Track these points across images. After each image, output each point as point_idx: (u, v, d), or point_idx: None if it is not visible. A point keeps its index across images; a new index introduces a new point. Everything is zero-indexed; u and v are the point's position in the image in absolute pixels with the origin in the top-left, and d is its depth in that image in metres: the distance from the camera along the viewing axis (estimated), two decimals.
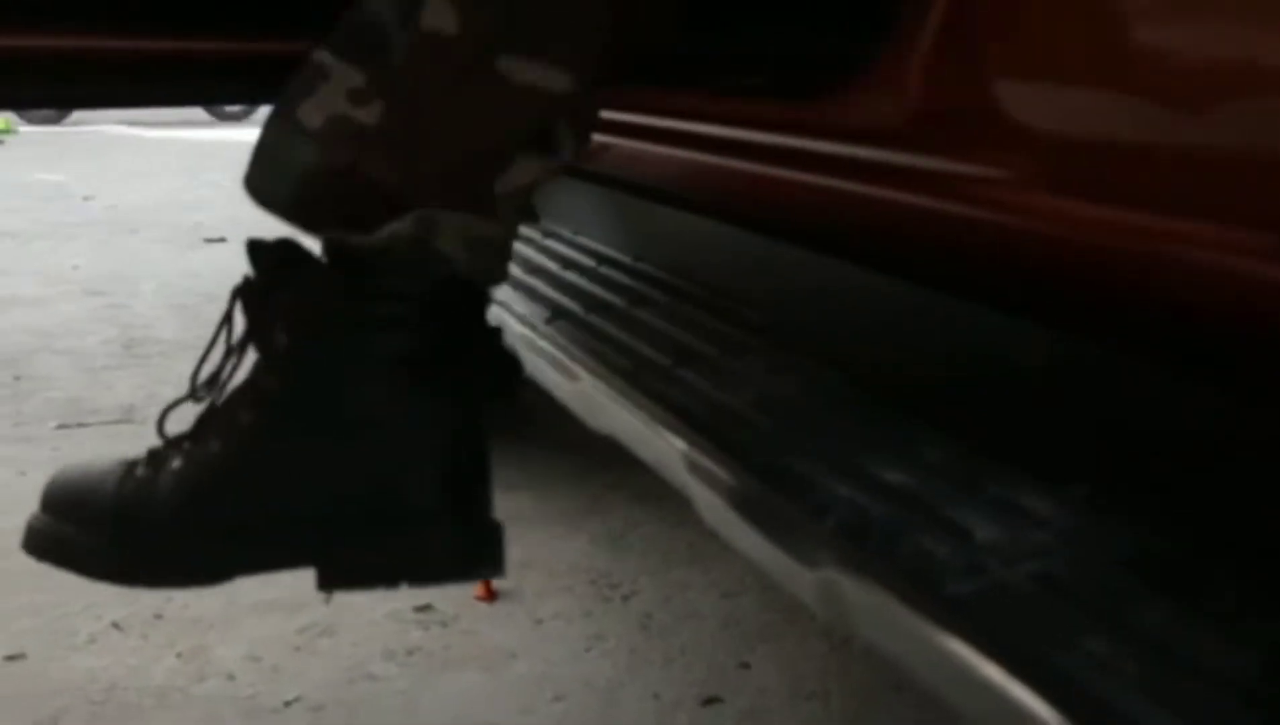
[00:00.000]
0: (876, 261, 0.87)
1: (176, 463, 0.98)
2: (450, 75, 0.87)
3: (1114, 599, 0.59)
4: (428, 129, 0.89)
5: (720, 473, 0.76)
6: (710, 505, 0.77)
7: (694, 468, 0.79)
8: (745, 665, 1.44)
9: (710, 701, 1.37)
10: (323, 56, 0.90)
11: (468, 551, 0.92)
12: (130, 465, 1.02)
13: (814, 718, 1.34)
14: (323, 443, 0.91)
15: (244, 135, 8.62)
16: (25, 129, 9.64)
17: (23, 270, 3.91)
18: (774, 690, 1.39)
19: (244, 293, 0.97)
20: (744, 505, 0.73)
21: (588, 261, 1.35)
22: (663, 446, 0.84)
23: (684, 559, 1.73)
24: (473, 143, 0.90)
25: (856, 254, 0.90)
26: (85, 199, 5.77)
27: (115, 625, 1.53)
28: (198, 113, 7.46)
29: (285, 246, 0.96)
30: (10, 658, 1.46)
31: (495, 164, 0.91)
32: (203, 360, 1.01)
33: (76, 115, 9.48)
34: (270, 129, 0.94)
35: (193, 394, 1.02)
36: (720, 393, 0.88)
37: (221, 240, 4.44)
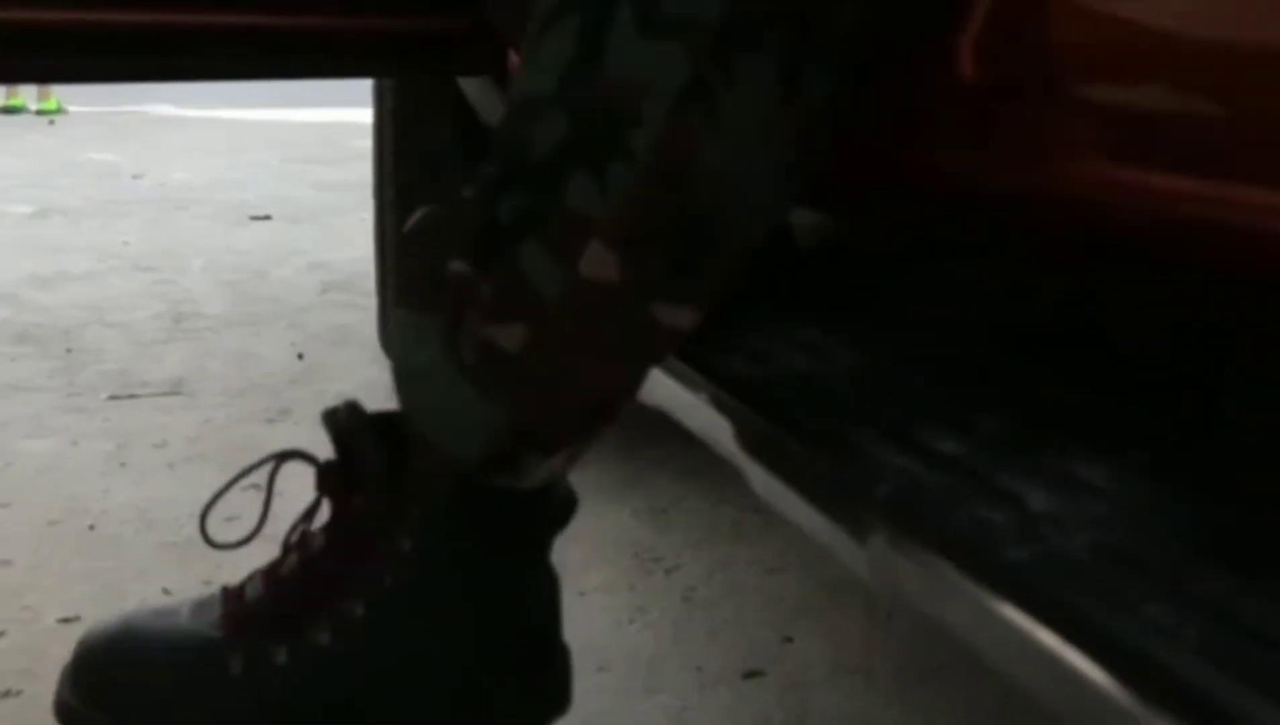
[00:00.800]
0: (926, 231, 0.87)
1: (281, 658, 0.99)
2: (606, 320, 0.85)
3: (1172, 566, 0.59)
4: (575, 367, 0.88)
5: (770, 442, 0.77)
6: (760, 477, 0.77)
7: (744, 439, 0.80)
8: (788, 640, 1.45)
9: (752, 675, 1.38)
10: (460, 267, 0.87)
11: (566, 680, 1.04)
12: (205, 653, 1.04)
13: (857, 693, 1.34)
14: (452, 627, 0.97)
15: (286, 115, 8.68)
16: (75, 108, 9.72)
17: (74, 246, 3.95)
18: (816, 665, 1.39)
19: (332, 476, 1.01)
20: (795, 476, 0.73)
21: None
22: (712, 418, 0.85)
23: (727, 535, 1.74)
24: (616, 382, 0.91)
25: (906, 224, 0.90)
26: (134, 177, 5.81)
27: (166, 591, 1.56)
28: (242, 93, 7.52)
29: (372, 423, 0.99)
30: (64, 620, 1.49)
31: (626, 400, 0.92)
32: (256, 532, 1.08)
33: (125, 95, 9.56)
34: (421, 357, 0.92)
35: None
36: (770, 365, 0.88)
37: (267, 217, 4.47)
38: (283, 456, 1.04)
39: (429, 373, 0.90)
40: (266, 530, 1.11)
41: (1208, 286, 0.65)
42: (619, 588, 1.57)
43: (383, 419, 1.00)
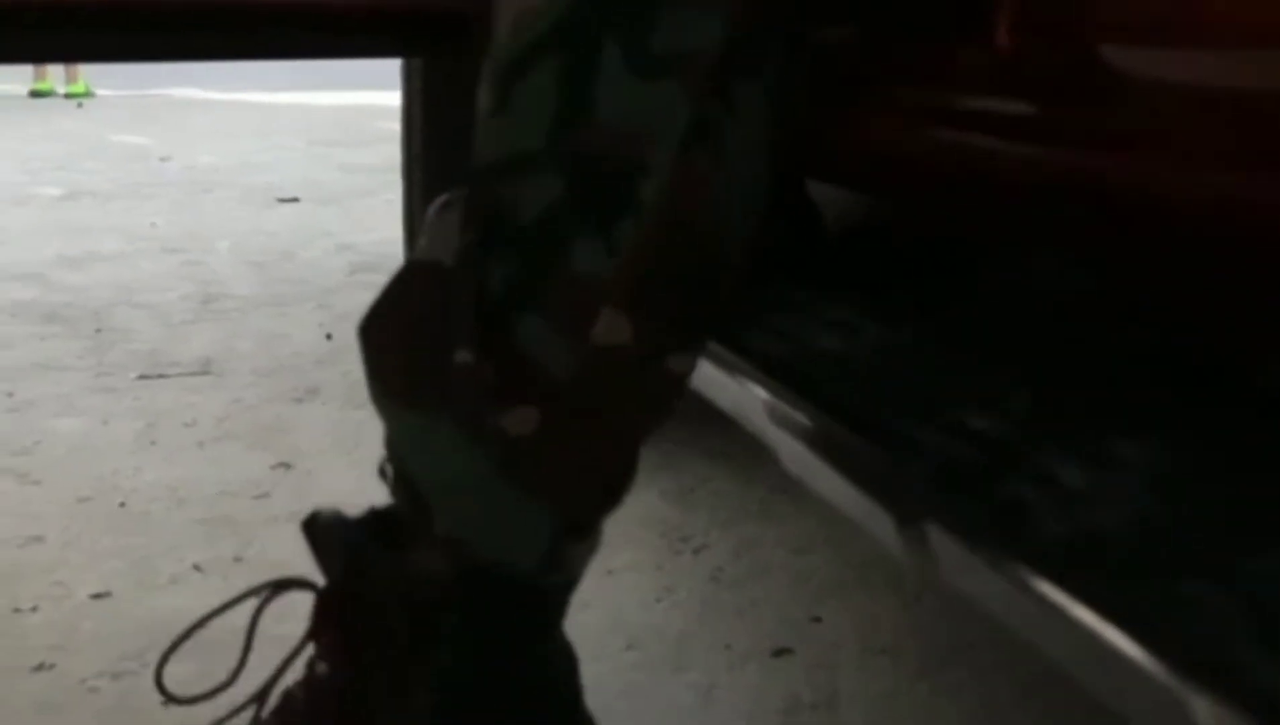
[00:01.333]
0: (957, 211, 0.87)
1: None
2: (623, 385, 0.79)
3: (1208, 541, 0.58)
4: (596, 440, 0.81)
5: (803, 419, 0.77)
6: (792, 453, 0.77)
7: (776, 416, 0.80)
8: (816, 619, 1.45)
9: (780, 653, 1.38)
10: (465, 357, 0.78)
11: None
12: None
13: (885, 672, 1.34)
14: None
15: (312, 99, 8.69)
16: (103, 92, 9.76)
17: (103, 227, 3.96)
18: (845, 644, 1.39)
19: (334, 601, 0.90)
20: (828, 452, 0.73)
21: None
22: (744, 396, 0.85)
23: (755, 515, 1.74)
24: (638, 443, 0.85)
25: (938, 204, 0.90)
26: (162, 160, 5.83)
27: (196, 567, 1.57)
28: (268, 77, 7.52)
29: (370, 531, 0.89)
30: (96, 595, 1.50)
31: (640, 450, 0.86)
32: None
33: (152, 79, 9.58)
34: (454, 468, 0.83)
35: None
36: (802, 343, 0.88)
37: (294, 200, 4.48)
38: (277, 586, 0.93)
39: (466, 485, 0.82)
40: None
41: (1241, 264, 0.65)
42: (647, 567, 1.57)
43: (376, 522, 0.90)
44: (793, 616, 1.46)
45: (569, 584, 0.90)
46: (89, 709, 1.28)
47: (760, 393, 0.83)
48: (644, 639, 1.38)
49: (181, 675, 0.97)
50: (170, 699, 0.88)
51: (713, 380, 0.89)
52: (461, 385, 0.79)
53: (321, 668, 0.92)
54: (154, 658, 1.35)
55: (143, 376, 2.36)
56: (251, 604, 0.95)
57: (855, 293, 0.99)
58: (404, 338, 0.84)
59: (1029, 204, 0.78)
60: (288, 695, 0.92)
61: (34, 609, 1.47)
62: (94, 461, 1.93)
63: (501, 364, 0.77)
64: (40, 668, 1.35)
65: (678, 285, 0.77)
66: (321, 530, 0.91)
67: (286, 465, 1.92)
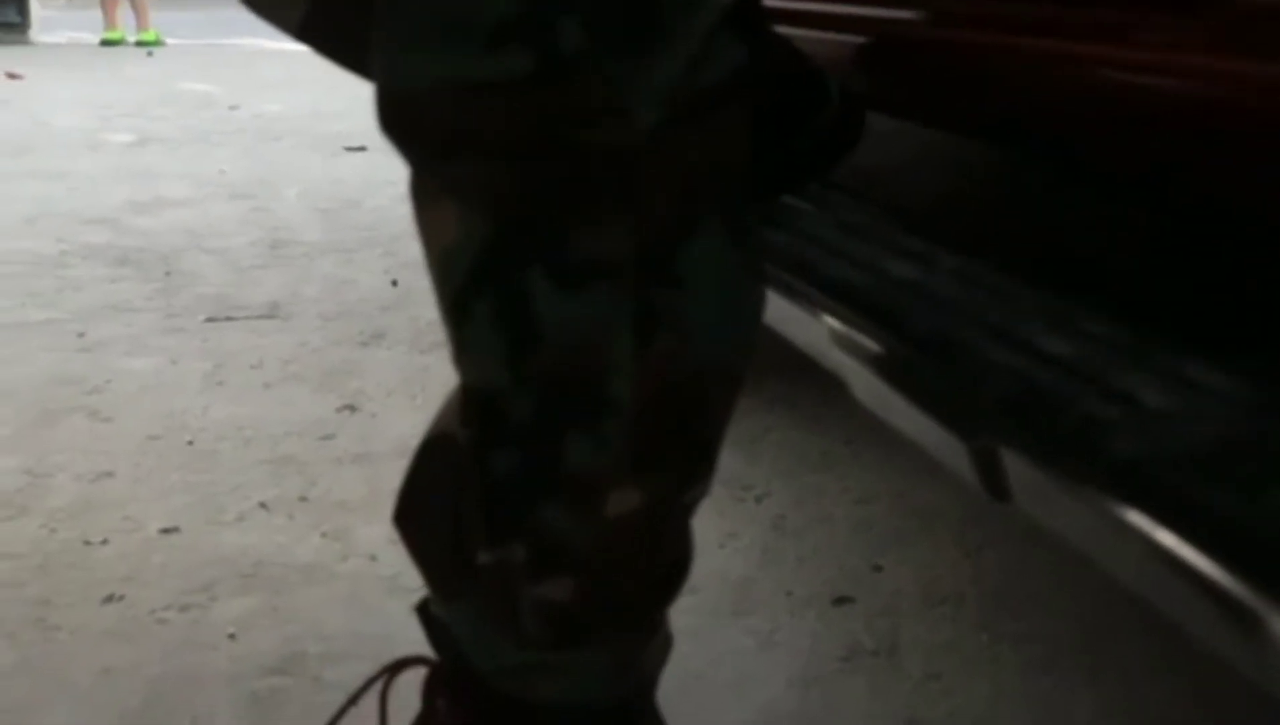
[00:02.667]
0: (1031, 138, 0.85)
1: None
2: (646, 538, 0.80)
3: None
4: (634, 584, 0.82)
5: (874, 347, 0.76)
6: (863, 382, 0.76)
7: (846, 344, 0.79)
8: (878, 568, 1.44)
9: (841, 601, 1.37)
10: (486, 558, 0.79)
11: None
12: None
13: (946, 621, 1.33)
14: None
15: None
16: (173, 41, 9.83)
17: (173, 174, 4.00)
18: (906, 593, 1.39)
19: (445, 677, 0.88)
20: (899, 378, 0.72)
21: None
22: (815, 325, 0.84)
23: (817, 465, 1.73)
24: (678, 561, 0.85)
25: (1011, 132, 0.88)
26: (231, 108, 5.87)
27: (262, 505, 1.58)
28: None
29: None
30: (165, 530, 1.52)
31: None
32: None
33: (222, 30, 9.65)
34: (510, 658, 0.84)
35: None
36: (874, 271, 0.86)
37: (362, 149, 4.50)
38: (395, 667, 0.92)
39: (517, 664, 0.83)
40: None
41: None
42: (708, 513, 1.55)
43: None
44: (854, 565, 1.45)
45: (651, 679, 0.90)
46: (157, 640, 1.30)
47: (831, 321, 0.81)
48: (705, 583, 1.38)
49: None
50: None
51: (782, 312, 0.88)
52: (490, 581, 0.80)
53: None
54: (221, 591, 1.38)
55: (211, 319, 2.38)
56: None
57: (927, 222, 0.97)
58: (430, 535, 0.85)
59: (1107, 128, 0.76)
60: None
61: (104, 542, 1.49)
62: (163, 400, 1.96)
63: (529, 542, 0.78)
64: (110, 599, 1.37)
65: (677, 442, 0.77)
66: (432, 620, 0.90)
67: (351, 407, 1.93)
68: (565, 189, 0.69)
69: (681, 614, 0.92)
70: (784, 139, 1.00)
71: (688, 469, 0.79)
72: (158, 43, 9.70)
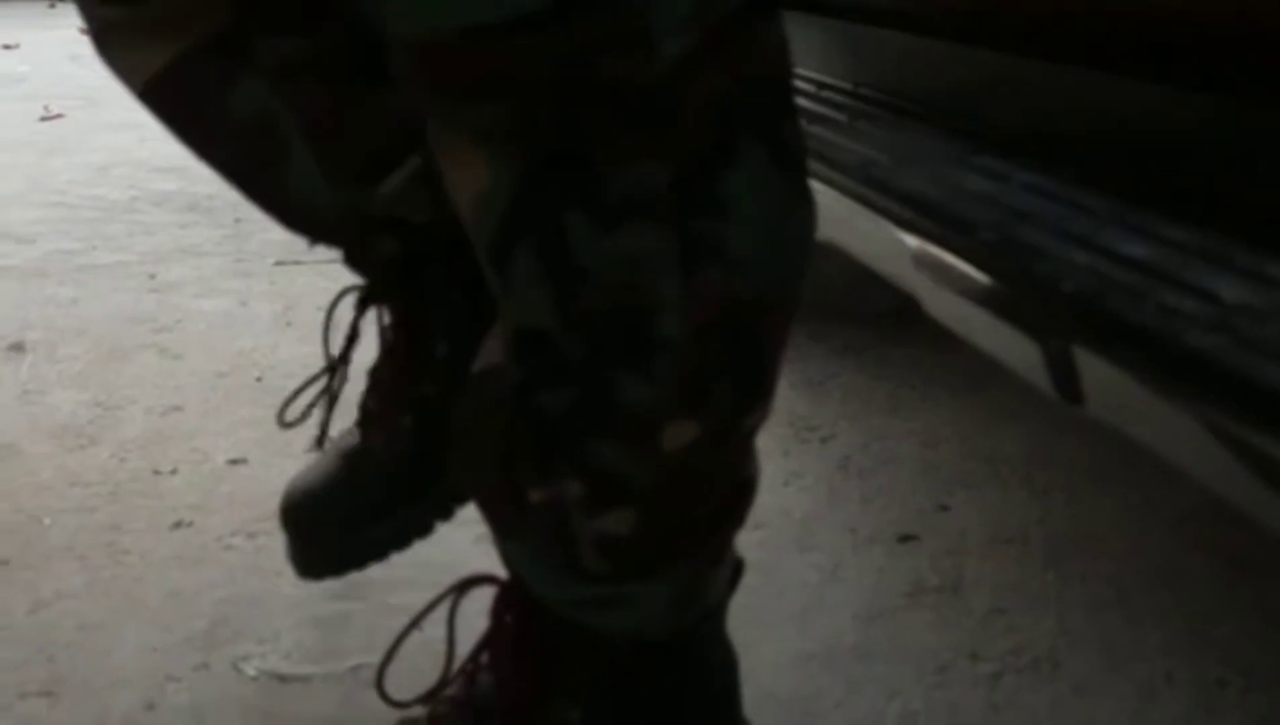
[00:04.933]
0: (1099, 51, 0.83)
1: None
2: (707, 468, 0.79)
3: None
4: (695, 512, 0.81)
5: (948, 255, 0.74)
6: (936, 293, 0.75)
7: (920, 259, 0.77)
8: (944, 508, 1.43)
9: (906, 539, 1.36)
10: (538, 496, 0.79)
11: None
12: None
13: (1012, 560, 1.32)
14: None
15: None
16: None
17: None
18: (972, 533, 1.37)
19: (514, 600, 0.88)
20: (973, 286, 0.71)
21: (807, 87, 1.32)
22: (886, 240, 0.82)
23: (883, 408, 1.72)
24: (739, 486, 0.84)
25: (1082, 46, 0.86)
26: None
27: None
28: None
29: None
30: (232, 461, 1.54)
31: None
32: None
33: None
34: (573, 593, 0.84)
35: None
36: (949, 185, 0.85)
37: None
38: (464, 586, 0.91)
39: (579, 597, 0.84)
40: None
41: None
42: (774, 453, 1.56)
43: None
44: (919, 505, 1.44)
45: (719, 606, 0.90)
46: (224, 565, 1.31)
47: (904, 237, 0.80)
48: (770, 520, 1.38)
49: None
50: (390, 702, 0.90)
51: (853, 229, 0.87)
52: (545, 518, 0.79)
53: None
54: None
55: (279, 262, 2.40)
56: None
57: (1001, 138, 0.95)
58: (482, 474, 0.85)
59: (1181, 33, 0.74)
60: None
61: (173, 472, 1.51)
62: (232, 339, 1.97)
63: (585, 478, 0.77)
64: (179, 525, 1.39)
65: (731, 373, 0.76)
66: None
67: None
68: (595, 125, 0.68)
69: (746, 549, 0.91)
70: None
71: (744, 399, 0.78)
72: None
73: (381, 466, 1.16)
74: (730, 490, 0.84)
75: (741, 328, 0.75)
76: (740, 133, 0.70)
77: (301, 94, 0.98)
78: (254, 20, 0.95)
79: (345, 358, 1.22)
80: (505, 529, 0.86)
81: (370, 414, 1.18)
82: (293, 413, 1.23)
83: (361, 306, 1.18)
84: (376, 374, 1.18)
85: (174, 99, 0.98)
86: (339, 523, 1.15)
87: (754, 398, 0.78)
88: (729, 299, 0.73)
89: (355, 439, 1.19)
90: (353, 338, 1.21)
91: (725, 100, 0.70)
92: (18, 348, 1.93)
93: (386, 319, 1.16)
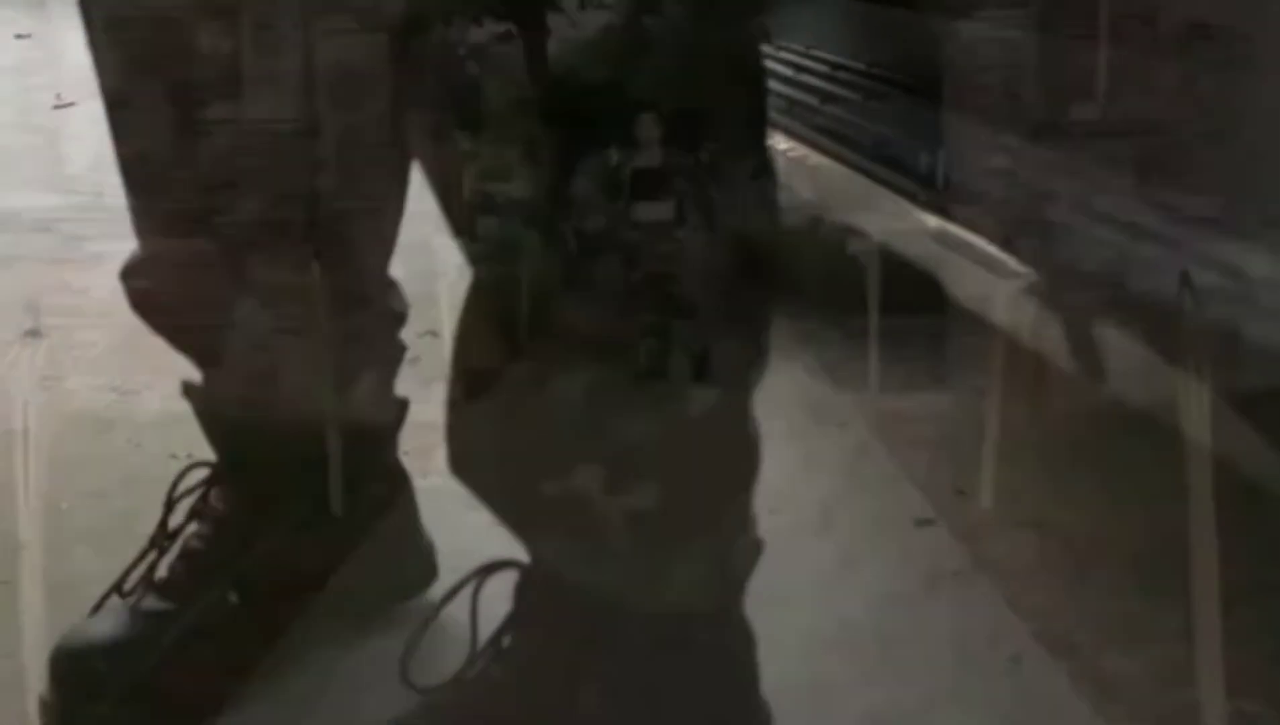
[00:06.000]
0: None
1: None
2: (722, 431, 0.84)
3: None
4: (715, 478, 0.86)
5: (969, 239, 0.73)
6: (956, 275, 0.74)
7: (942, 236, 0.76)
8: (961, 492, 1.43)
9: (923, 523, 1.36)
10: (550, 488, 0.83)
11: None
12: None
13: (1030, 545, 1.32)
14: None
15: None
16: None
17: None
18: (990, 517, 1.37)
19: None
20: (996, 263, 0.70)
21: (821, 68, 1.32)
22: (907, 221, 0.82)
23: (900, 392, 1.71)
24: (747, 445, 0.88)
25: None
26: None
27: None
28: None
29: None
30: None
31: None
32: None
33: None
34: None
35: None
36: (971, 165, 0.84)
37: None
38: (487, 570, 0.91)
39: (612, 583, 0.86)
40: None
41: None
42: (790, 437, 1.56)
43: None
44: (936, 489, 1.43)
45: (739, 584, 0.90)
46: None
47: (928, 217, 0.79)
48: (786, 505, 1.36)
49: None
50: (414, 688, 0.90)
51: (870, 208, 0.87)
52: (564, 508, 0.81)
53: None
54: None
55: None
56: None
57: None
58: (491, 479, 0.88)
59: None
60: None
61: (189, 457, 1.51)
62: None
63: (604, 460, 0.79)
64: None
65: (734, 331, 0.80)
66: None
67: (434, 333, 1.93)
68: None
69: (763, 533, 0.91)
70: None
71: (750, 357, 0.82)
72: None
73: None
74: (743, 455, 0.86)
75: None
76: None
77: None
78: None
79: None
80: (523, 528, 0.87)
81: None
82: None
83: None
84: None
85: None
86: None
87: (754, 351, 0.83)
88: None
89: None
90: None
91: None
92: (34, 334, 1.93)
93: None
